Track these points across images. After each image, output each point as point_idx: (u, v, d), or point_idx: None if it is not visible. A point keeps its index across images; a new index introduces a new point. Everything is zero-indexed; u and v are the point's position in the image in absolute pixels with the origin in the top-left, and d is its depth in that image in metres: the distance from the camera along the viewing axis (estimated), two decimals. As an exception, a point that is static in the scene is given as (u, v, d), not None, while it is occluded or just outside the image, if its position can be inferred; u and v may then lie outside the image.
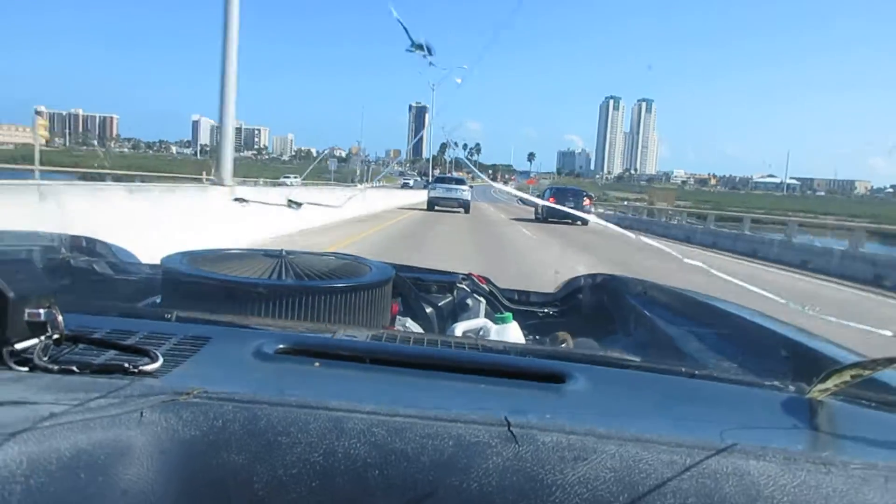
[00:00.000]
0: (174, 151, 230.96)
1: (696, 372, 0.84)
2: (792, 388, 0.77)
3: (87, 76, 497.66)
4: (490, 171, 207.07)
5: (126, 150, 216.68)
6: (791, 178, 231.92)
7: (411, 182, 72.98)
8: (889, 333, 0.70)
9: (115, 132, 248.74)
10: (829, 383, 0.71)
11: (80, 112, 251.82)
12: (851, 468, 0.55)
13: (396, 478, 0.54)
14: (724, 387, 0.80)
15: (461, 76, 1.12)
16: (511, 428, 0.56)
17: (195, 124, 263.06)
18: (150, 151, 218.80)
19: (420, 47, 1.10)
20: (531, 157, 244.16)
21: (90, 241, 1.59)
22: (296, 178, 53.38)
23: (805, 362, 0.91)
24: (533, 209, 29.08)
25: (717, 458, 0.55)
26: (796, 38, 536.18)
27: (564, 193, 26.90)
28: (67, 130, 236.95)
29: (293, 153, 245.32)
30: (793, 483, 0.53)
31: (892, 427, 0.71)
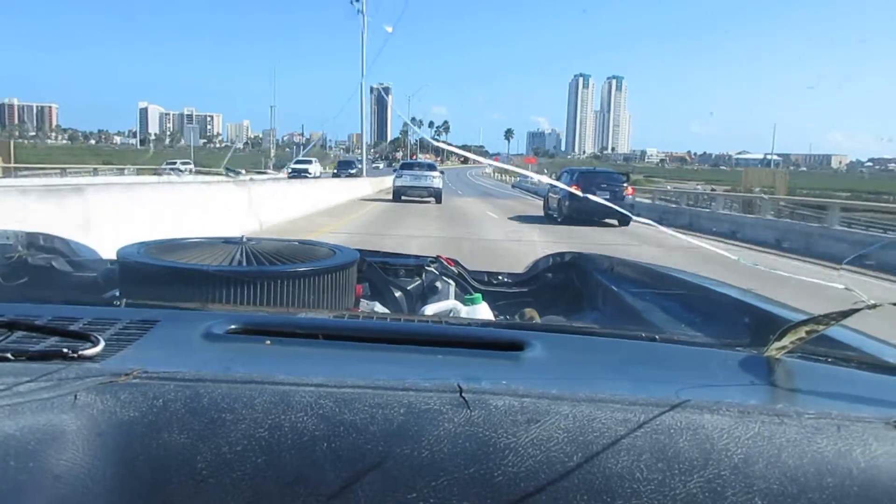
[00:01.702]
0: (117, 142, 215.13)
1: (657, 336, 0.84)
2: (750, 348, 0.78)
3: (24, 64, 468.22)
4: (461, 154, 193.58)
5: (63, 141, 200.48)
6: (767, 153, 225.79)
7: (312, 169, 38.15)
8: (840, 286, 0.69)
9: (54, 122, 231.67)
10: (786, 340, 0.72)
11: (15, 102, 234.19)
12: (805, 418, 0.56)
13: (345, 449, 0.53)
14: (683, 349, 0.81)
15: (385, 31, 0.87)
16: (463, 394, 0.56)
17: (142, 112, 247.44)
18: (93, 142, 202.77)
19: None
20: (509, 134, 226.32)
21: (48, 237, 1.54)
22: (186, 164, 40.88)
23: (764, 324, 0.91)
24: (542, 203, 19.06)
25: (671, 413, 0.55)
26: (754, 19, 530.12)
27: (594, 179, 16.93)
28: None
29: (248, 140, 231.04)
30: (746, 435, 0.54)
31: (846, 380, 0.72)
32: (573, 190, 16.58)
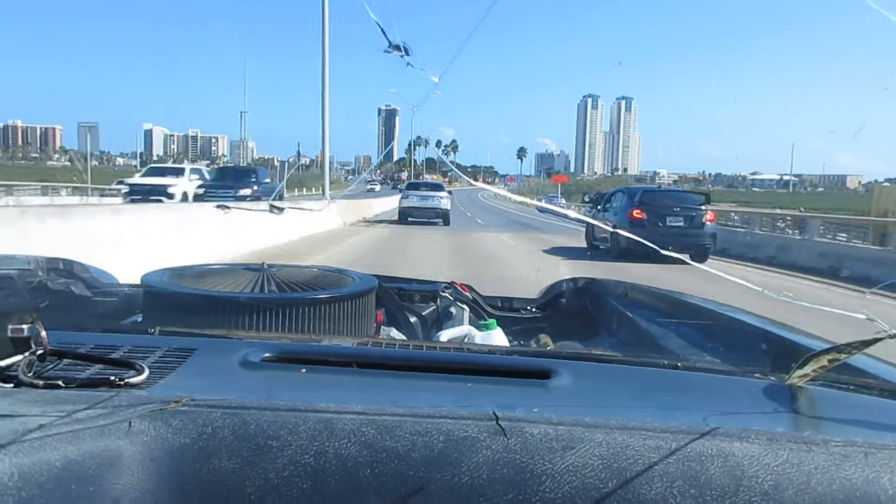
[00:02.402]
0: (120, 163, 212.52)
1: (679, 364, 0.86)
2: (772, 376, 0.79)
3: (28, 86, 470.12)
4: (470, 174, 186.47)
5: (65, 162, 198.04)
6: (780, 174, 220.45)
7: (180, 187, 18.09)
8: (862, 316, 0.71)
9: (58, 144, 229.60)
10: (808, 368, 0.73)
11: (19, 123, 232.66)
12: (832, 446, 0.56)
13: (388, 475, 0.54)
14: (706, 377, 0.83)
15: (432, 85, 1.02)
16: (500, 422, 0.57)
17: (147, 133, 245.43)
18: (96, 164, 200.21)
19: (398, 48, 1.10)
20: (521, 153, 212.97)
21: (67, 262, 1.55)
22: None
23: (784, 352, 0.92)
24: (585, 232, 14.25)
25: (702, 441, 0.56)
26: (757, 39, 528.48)
27: (662, 201, 12.09)
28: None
29: (251, 161, 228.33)
30: (776, 462, 0.54)
31: (870, 408, 0.73)
32: (636, 215, 12.11)
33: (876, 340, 0.67)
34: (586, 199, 17.01)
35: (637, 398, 0.72)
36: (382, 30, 1.10)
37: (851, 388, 0.77)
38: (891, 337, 0.66)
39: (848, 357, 0.70)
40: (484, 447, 0.55)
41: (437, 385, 0.73)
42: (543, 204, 5.19)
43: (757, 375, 0.80)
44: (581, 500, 0.52)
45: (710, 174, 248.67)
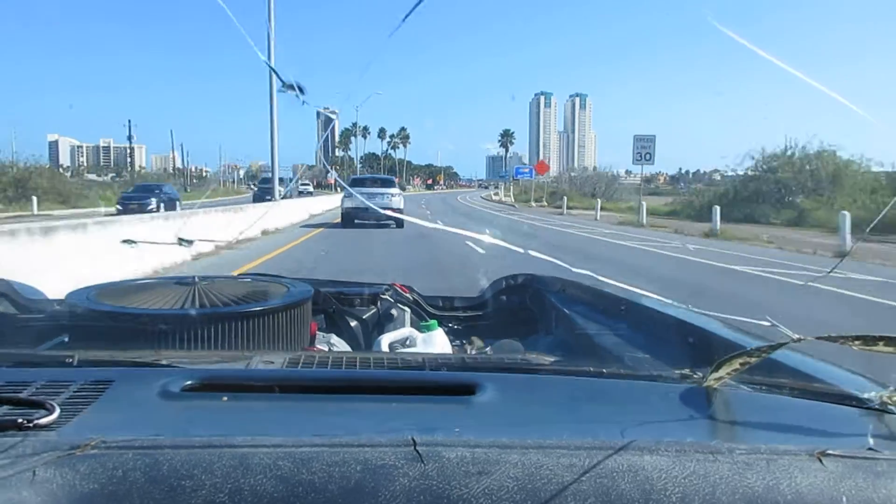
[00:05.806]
0: None
1: (604, 371, 0.90)
2: (691, 378, 0.83)
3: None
4: (427, 175, 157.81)
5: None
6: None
7: None
8: (767, 323, 0.79)
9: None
10: (722, 372, 0.78)
11: None
12: (737, 454, 0.59)
13: None
14: (628, 384, 0.86)
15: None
16: (417, 447, 0.58)
17: (52, 145, 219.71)
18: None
19: (291, 87, 1.10)
20: (507, 137, 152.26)
21: None
22: None
23: (708, 348, 0.97)
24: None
25: (615, 457, 0.58)
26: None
27: None
28: None
29: (172, 172, 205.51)
30: (683, 474, 0.56)
31: (778, 409, 0.77)
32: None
33: (781, 345, 0.74)
34: None
35: (560, 411, 0.75)
36: (276, 72, 1.10)
37: (764, 388, 0.81)
38: (794, 341, 0.73)
39: (758, 360, 0.76)
40: (401, 475, 0.56)
41: (361, 407, 0.73)
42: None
43: (677, 378, 0.84)
44: None
45: (666, 174, 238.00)
